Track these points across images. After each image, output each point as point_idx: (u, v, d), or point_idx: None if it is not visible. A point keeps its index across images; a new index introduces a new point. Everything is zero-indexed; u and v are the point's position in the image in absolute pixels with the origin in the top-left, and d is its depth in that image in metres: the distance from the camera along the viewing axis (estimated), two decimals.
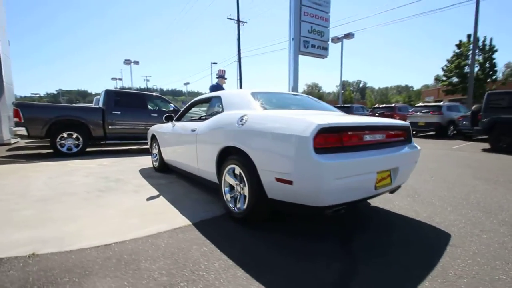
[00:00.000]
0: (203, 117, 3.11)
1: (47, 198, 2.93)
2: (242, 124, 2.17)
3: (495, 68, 21.48)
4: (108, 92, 6.51)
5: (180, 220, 2.35)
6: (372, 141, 2.01)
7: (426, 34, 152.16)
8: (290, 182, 1.77)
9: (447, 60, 23.59)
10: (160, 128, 4.17)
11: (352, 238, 2.02)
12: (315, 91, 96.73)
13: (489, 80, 21.80)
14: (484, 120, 6.71)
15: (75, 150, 5.94)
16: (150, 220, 2.36)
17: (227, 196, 2.42)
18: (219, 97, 2.89)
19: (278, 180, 1.85)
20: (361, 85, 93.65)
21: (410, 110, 13.20)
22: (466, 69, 22.16)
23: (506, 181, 3.82)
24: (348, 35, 20.37)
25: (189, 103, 3.64)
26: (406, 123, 2.46)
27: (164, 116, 3.61)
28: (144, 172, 4.32)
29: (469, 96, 15.54)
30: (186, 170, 3.28)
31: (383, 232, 2.17)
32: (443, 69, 24.00)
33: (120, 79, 51.70)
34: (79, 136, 5.98)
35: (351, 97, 43.33)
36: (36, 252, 1.77)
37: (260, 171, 1.99)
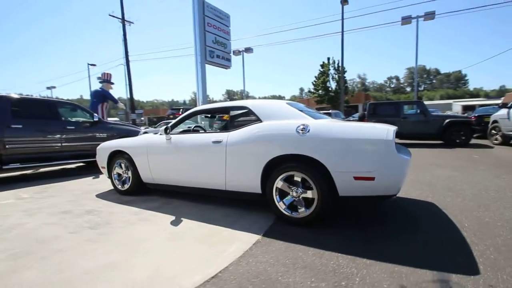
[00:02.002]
0: (217, 128, 2.97)
1: (64, 248, 2.05)
2: (306, 133, 2.36)
3: (346, 84, 28.64)
4: (1, 100, 4.69)
5: (246, 236, 2.26)
6: None
7: (297, 53, 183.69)
8: (372, 179, 2.15)
9: (315, 76, 29.51)
10: (133, 143, 3.53)
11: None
12: None
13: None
14: None
15: None
16: (215, 243, 2.15)
17: (281, 204, 2.51)
18: (246, 107, 2.87)
19: (357, 178, 2.19)
20: (244, 94, 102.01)
21: None
22: (328, 84, 28.50)
23: None
24: (248, 49, 22.25)
25: (188, 113, 3.30)
26: None
27: (164, 127, 3.10)
28: (111, 198, 3.52)
29: (341, 106, 19.99)
30: (199, 186, 3.01)
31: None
32: (313, 84, 29.83)
33: None
34: None
35: None
36: None
37: (334, 173, 2.25)
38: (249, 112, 2.83)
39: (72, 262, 1.89)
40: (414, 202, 3.07)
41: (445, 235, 2.21)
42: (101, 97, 7.36)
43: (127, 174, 3.65)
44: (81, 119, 5.91)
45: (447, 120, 7.93)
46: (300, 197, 2.44)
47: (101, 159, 3.90)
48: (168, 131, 3.11)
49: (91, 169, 6.19)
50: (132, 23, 23.73)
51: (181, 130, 3.51)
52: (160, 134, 3.34)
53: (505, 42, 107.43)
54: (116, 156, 3.73)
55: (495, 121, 7.94)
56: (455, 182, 3.88)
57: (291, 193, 2.48)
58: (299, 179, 2.42)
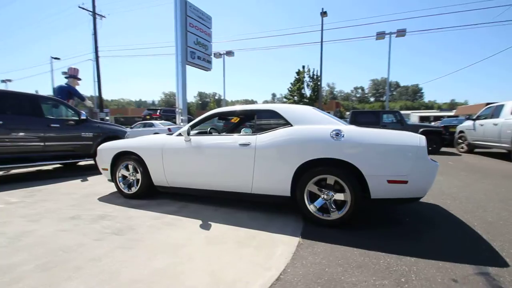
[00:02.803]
0: (243, 131, 2.95)
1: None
2: (340, 138, 2.45)
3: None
4: None
5: (286, 239, 2.28)
6: None
7: (269, 59, 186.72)
8: (405, 182, 2.30)
9: (291, 83, 30.29)
10: (144, 144, 3.35)
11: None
12: (173, 100, 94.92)
13: (317, 99, 29.93)
14: None
15: None
16: (259, 246, 2.14)
17: (312, 206, 2.57)
18: (273, 111, 2.90)
19: (391, 181, 2.33)
20: (216, 97, 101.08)
21: None
22: (302, 91, 29.43)
23: None
24: (229, 53, 22.12)
25: (208, 114, 3.22)
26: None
27: (186, 129, 2.96)
28: (118, 201, 3.30)
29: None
30: (222, 189, 2.95)
31: None
32: (288, 90, 30.58)
33: None
34: None
35: (215, 108, 46.25)
36: None
37: (368, 176, 2.37)
38: (277, 116, 2.87)
39: (114, 271, 1.76)
40: (419, 204, 3.32)
41: (462, 233, 2.43)
42: (66, 93, 6.81)
43: (135, 176, 3.45)
44: (68, 117, 5.45)
45: (421, 130, 8.64)
46: (331, 200, 2.52)
47: (104, 160, 3.64)
48: (189, 132, 3.02)
49: (72, 171, 5.74)
50: (104, 17, 22.51)
51: (196, 132, 3.42)
52: (177, 136, 3.23)
53: (458, 60, 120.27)
54: (121, 157, 3.51)
55: (461, 131, 8.85)
56: (445, 186, 4.25)
57: (322, 195, 2.55)
58: (331, 182, 2.50)
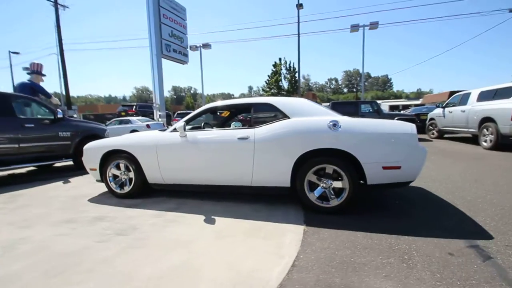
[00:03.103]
0: (239, 124, 2.96)
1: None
2: (338, 128, 2.55)
3: (297, 84, 30.25)
4: None
5: (291, 227, 2.36)
6: None
7: (245, 52, 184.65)
8: (398, 167, 2.47)
9: (268, 76, 30.39)
10: (136, 141, 3.25)
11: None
12: (146, 95, 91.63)
13: (294, 92, 30.36)
14: None
15: None
16: (267, 236, 2.20)
17: (311, 195, 2.67)
18: (270, 104, 2.93)
19: (386, 168, 2.48)
20: (192, 91, 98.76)
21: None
22: (280, 83, 29.67)
23: None
24: (206, 45, 21.55)
25: (204, 109, 3.17)
26: None
27: (182, 124, 2.90)
28: (111, 202, 3.19)
29: None
30: (221, 184, 2.96)
31: None
32: (266, 83, 30.66)
33: None
34: None
35: (192, 103, 45.08)
36: None
37: (365, 164, 2.50)
38: (274, 109, 2.91)
39: (130, 270, 1.73)
40: (405, 187, 3.56)
41: (448, 212, 2.66)
42: (29, 90, 6.31)
43: (127, 175, 3.34)
44: (42, 116, 5.09)
45: (396, 118, 9.13)
46: (330, 188, 2.64)
47: (91, 160, 3.48)
48: (185, 128, 2.98)
49: (48, 173, 5.42)
50: (67, 7, 20.95)
51: (190, 127, 3.37)
52: (171, 132, 3.17)
53: (425, 51, 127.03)
54: (111, 156, 3.38)
55: (432, 119, 9.48)
56: (423, 170, 4.57)
57: (321, 184, 2.65)
58: (330, 171, 2.61)
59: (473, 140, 7.55)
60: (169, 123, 19.05)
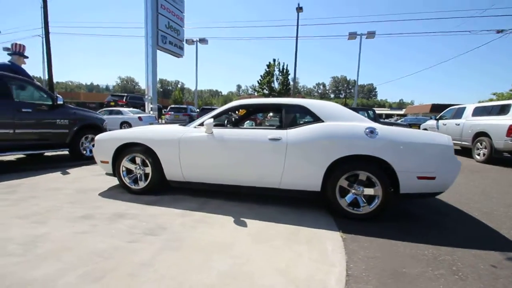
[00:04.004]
0: (270, 124, 2.87)
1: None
2: (375, 136, 2.53)
3: (289, 86, 30.43)
4: None
5: (327, 234, 2.30)
6: None
7: (234, 52, 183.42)
8: (433, 178, 2.48)
9: (261, 75, 30.33)
10: (157, 136, 3.08)
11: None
12: (130, 86, 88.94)
13: (286, 93, 30.51)
14: None
15: None
16: (308, 242, 2.13)
17: (342, 201, 2.63)
18: (302, 107, 2.86)
19: (420, 178, 2.49)
20: (179, 86, 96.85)
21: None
22: (272, 84, 29.73)
23: None
24: (203, 40, 21.10)
25: (230, 106, 3.04)
26: None
27: (209, 121, 2.77)
28: (126, 198, 3.00)
29: None
30: (248, 184, 2.86)
31: None
32: (258, 82, 30.59)
33: None
34: None
35: (180, 97, 44.09)
36: None
37: (399, 172, 2.50)
38: (306, 112, 2.85)
39: (175, 276, 1.61)
40: None
41: (471, 222, 2.71)
42: (9, 72, 5.89)
43: (142, 170, 3.16)
44: (39, 102, 4.73)
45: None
46: (361, 195, 2.61)
47: (104, 152, 3.26)
48: (213, 124, 2.85)
49: (40, 163, 5.06)
50: None
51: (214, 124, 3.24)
52: (196, 127, 3.03)
53: (407, 63, 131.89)
54: (126, 149, 3.18)
55: (425, 129, 9.81)
56: None
57: (352, 190, 2.62)
58: (363, 178, 2.59)
59: (464, 152, 7.87)
60: (160, 116, 18.59)
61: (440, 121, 8.85)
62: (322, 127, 2.69)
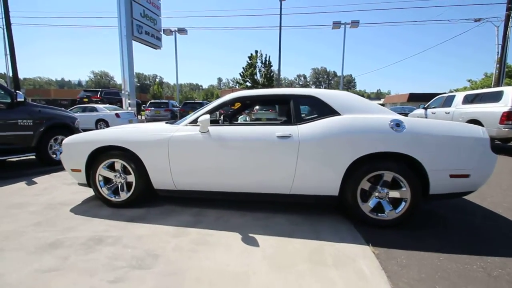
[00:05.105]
0: (272, 119, 2.45)
1: None
2: (402, 129, 2.18)
3: (273, 78, 29.96)
4: None
5: (355, 249, 1.94)
6: None
7: (212, 45, 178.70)
8: (467, 176, 2.17)
9: (243, 68, 29.62)
10: (139, 136, 2.56)
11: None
12: (105, 81, 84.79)
13: (269, 86, 30.03)
14: None
15: None
16: (336, 264, 1.75)
17: (365, 206, 2.28)
18: (314, 97, 2.45)
19: (453, 176, 2.18)
20: (157, 80, 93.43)
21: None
22: (255, 77, 29.16)
23: None
24: (182, 30, 19.92)
25: (227, 99, 2.55)
26: None
27: (204, 118, 2.29)
28: (104, 214, 2.48)
29: None
30: (252, 191, 2.44)
31: None
32: (240, 75, 29.90)
33: None
34: None
35: (160, 91, 42.08)
36: None
37: (430, 171, 2.17)
38: (319, 103, 2.44)
39: None
40: None
41: (500, 221, 2.46)
42: None
43: (124, 178, 2.64)
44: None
45: None
46: (386, 198, 2.27)
47: (74, 159, 2.70)
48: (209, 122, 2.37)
49: (3, 170, 4.34)
50: None
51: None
52: (187, 125, 2.54)
53: (386, 53, 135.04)
54: (102, 153, 2.64)
55: None
56: None
57: (376, 193, 2.28)
58: (388, 179, 2.24)
59: None
60: (139, 112, 17.54)
61: (429, 110, 8.81)
62: (340, 121, 2.30)
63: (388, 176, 2.24)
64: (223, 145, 2.40)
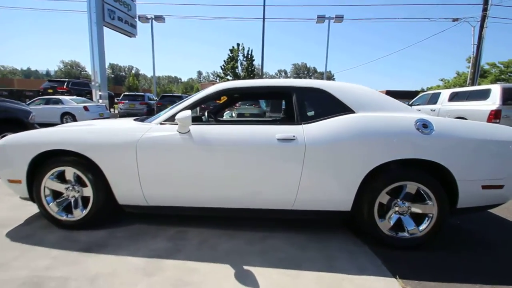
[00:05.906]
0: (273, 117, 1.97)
1: None
2: (430, 131, 1.79)
3: (254, 72, 29.37)
4: None
5: (380, 283, 1.53)
6: None
7: (191, 38, 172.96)
8: (500, 187, 1.83)
9: (224, 61, 28.79)
10: (96, 138, 1.97)
11: None
12: (76, 71, 79.78)
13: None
14: None
15: None
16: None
17: (384, 223, 1.88)
18: (321, 90, 1.99)
19: (485, 187, 1.83)
20: (133, 71, 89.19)
21: None
22: (237, 70, 28.48)
23: None
24: (159, 18, 18.55)
25: (212, 91, 2.02)
26: None
27: (183, 115, 1.75)
28: (50, 239, 1.89)
29: None
30: (243, 206, 1.96)
31: None
32: (221, 68, 29.07)
33: None
34: None
35: (136, 84, 39.51)
36: None
37: (461, 181, 1.80)
38: (328, 98, 1.98)
39: None
40: None
41: None
42: None
43: (78, 192, 2.05)
44: None
45: None
46: (408, 213, 1.89)
47: (13, 166, 2.06)
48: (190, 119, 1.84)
49: None
50: None
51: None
52: (162, 124, 2.00)
53: (365, 49, 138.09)
54: (49, 160, 2.03)
55: None
56: None
57: (396, 208, 1.88)
58: (412, 191, 1.85)
59: None
60: (111, 105, 16.26)
61: (414, 107, 8.74)
62: (354, 120, 1.86)
63: (411, 187, 1.85)
64: (209, 149, 1.88)
